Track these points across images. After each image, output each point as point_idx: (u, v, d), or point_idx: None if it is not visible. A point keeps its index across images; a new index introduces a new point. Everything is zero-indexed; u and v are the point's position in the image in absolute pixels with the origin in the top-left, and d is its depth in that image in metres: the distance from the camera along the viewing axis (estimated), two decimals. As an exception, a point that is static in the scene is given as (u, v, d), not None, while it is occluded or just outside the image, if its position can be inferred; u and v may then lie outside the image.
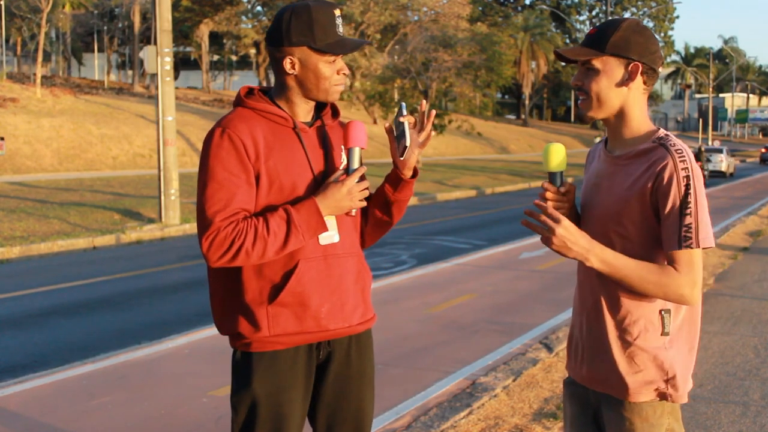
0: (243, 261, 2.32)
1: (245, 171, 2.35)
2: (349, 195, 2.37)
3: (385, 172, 2.71)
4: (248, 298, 2.41)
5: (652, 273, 2.13)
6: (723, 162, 37.01)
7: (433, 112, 2.49)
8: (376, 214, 2.59)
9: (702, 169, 30.50)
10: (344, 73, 2.44)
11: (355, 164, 2.41)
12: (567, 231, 2.13)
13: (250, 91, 2.51)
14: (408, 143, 2.43)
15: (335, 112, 2.58)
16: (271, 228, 2.31)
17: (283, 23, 2.38)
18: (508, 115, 65.30)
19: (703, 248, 2.13)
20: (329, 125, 2.53)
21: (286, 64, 2.40)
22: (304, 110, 2.47)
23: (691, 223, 2.10)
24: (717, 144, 44.90)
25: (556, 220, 2.14)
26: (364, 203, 2.42)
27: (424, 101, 2.51)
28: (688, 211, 2.11)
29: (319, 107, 2.55)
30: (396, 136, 2.48)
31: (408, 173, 2.52)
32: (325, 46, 2.37)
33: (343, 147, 2.49)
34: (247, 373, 2.43)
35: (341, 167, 2.46)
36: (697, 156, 32.36)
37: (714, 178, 35.79)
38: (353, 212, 2.43)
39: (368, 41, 2.56)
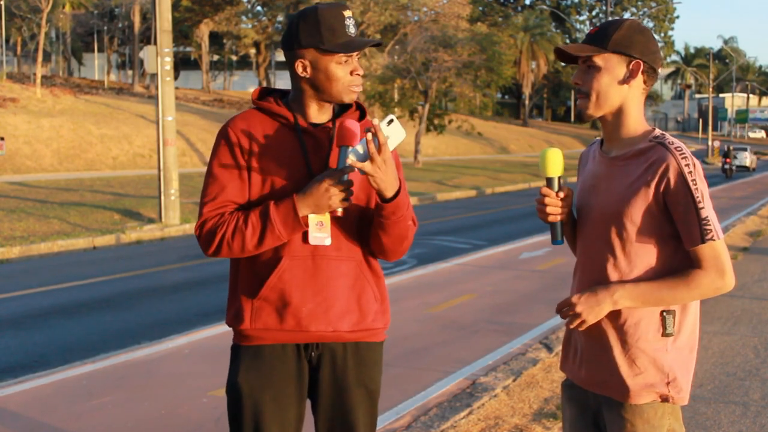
0: (227, 252, 2.38)
1: (237, 166, 2.41)
2: (326, 193, 2.30)
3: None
4: (240, 291, 2.46)
5: (680, 285, 2.16)
6: (747, 158, 43.71)
7: (377, 129, 2.25)
8: (371, 232, 2.46)
9: (730, 164, 38.01)
10: (358, 74, 2.42)
11: (345, 163, 2.33)
12: (584, 303, 2.20)
13: (262, 92, 2.54)
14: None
15: (362, 114, 2.54)
16: (250, 221, 2.35)
17: (293, 27, 2.41)
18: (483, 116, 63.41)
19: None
20: None
21: (298, 67, 2.40)
22: (316, 111, 2.46)
23: (707, 216, 2.14)
24: (717, 144, 46.12)
25: (569, 304, 2.22)
26: (346, 203, 2.34)
27: (376, 120, 2.30)
28: (701, 205, 2.14)
29: (342, 108, 2.53)
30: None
31: (384, 194, 2.32)
32: (332, 47, 2.36)
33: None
34: (235, 366, 2.48)
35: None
36: (726, 153, 38.38)
37: (739, 171, 42.27)
38: (339, 212, 2.35)
39: (379, 41, 2.52)
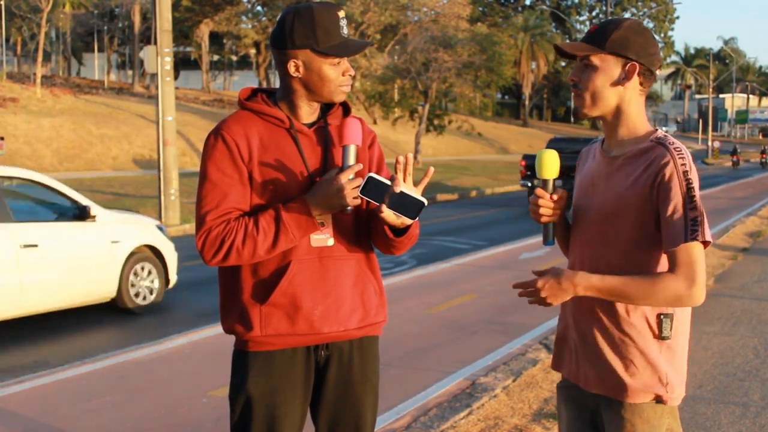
0: (235, 260, 2.34)
1: (238, 171, 2.36)
2: (339, 193, 2.31)
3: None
4: (244, 297, 2.42)
5: (646, 284, 2.11)
6: None
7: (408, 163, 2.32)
8: (378, 241, 2.50)
9: (766, 158, 46.35)
10: (350, 75, 2.42)
11: (350, 161, 2.36)
12: (549, 290, 2.17)
13: (253, 93, 2.51)
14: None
15: (346, 111, 2.53)
16: (261, 226, 2.31)
17: (287, 25, 2.37)
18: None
19: (707, 242, 2.13)
20: (334, 125, 2.49)
21: (290, 67, 2.38)
22: (307, 111, 2.45)
23: (697, 217, 2.11)
24: (717, 144, 46.40)
25: (531, 285, 2.20)
26: (358, 201, 2.35)
27: (401, 157, 2.34)
28: (692, 205, 2.11)
29: (327, 106, 2.52)
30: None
31: (403, 226, 2.38)
32: (328, 49, 2.35)
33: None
34: (243, 372, 2.44)
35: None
36: (764, 151, 47.01)
37: None
38: (348, 210, 2.37)
39: (371, 42, 2.54)
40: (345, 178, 2.31)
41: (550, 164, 2.30)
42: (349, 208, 2.36)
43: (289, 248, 2.37)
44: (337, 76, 2.39)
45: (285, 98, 2.46)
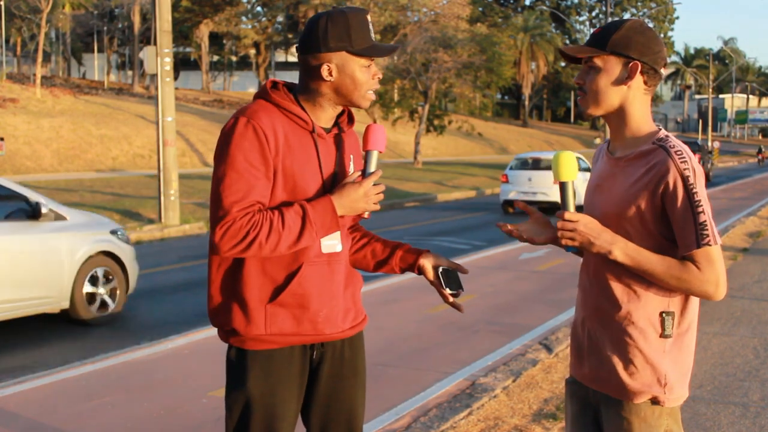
0: (255, 252, 2.32)
1: (265, 164, 2.34)
2: (365, 197, 2.39)
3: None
4: (247, 295, 2.40)
5: (674, 268, 2.15)
6: None
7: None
8: (365, 259, 2.67)
9: None
10: (378, 78, 2.45)
11: (372, 167, 2.43)
12: (588, 226, 2.20)
13: (274, 85, 2.49)
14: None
15: (351, 119, 2.57)
16: (287, 222, 2.32)
17: (320, 30, 2.38)
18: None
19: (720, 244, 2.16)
20: (346, 132, 2.53)
21: (324, 71, 2.38)
22: (328, 116, 2.47)
23: (705, 221, 2.13)
24: (717, 144, 46.29)
25: (575, 216, 2.21)
26: (378, 207, 2.43)
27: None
28: (699, 209, 2.13)
29: (338, 113, 2.54)
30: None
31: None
32: (363, 50, 2.38)
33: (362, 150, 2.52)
34: (242, 372, 2.44)
35: (366, 171, 2.46)
36: None
37: None
38: (366, 215, 2.45)
39: (398, 45, 2.59)
40: (370, 183, 2.39)
41: (569, 166, 2.27)
42: (367, 213, 2.44)
43: (298, 250, 2.38)
44: (368, 79, 2.42)
45: (309, 100, 2.45)
